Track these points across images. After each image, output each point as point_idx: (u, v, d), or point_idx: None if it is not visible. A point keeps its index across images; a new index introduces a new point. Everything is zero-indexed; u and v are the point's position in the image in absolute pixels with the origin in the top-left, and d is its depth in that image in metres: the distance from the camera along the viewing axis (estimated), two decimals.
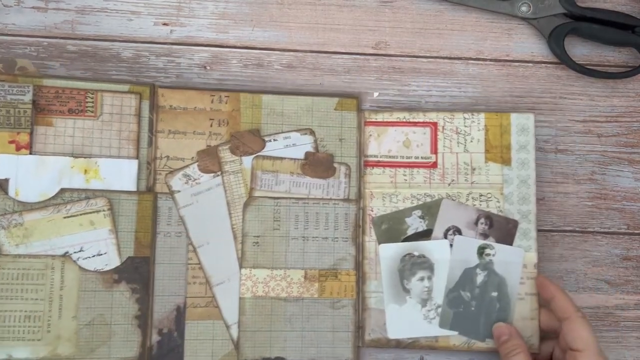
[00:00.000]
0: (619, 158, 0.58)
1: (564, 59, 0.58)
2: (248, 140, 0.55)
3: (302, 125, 0.55)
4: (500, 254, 0.54)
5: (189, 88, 0.55)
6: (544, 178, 0.58)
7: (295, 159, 0.55)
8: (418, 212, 0.55)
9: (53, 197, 0.52)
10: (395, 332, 0.53)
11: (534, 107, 0.58)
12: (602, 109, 0.59)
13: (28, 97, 0.52)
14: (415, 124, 0.56)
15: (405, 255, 0.54)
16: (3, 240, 0.51)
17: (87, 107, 0.53)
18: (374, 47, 0.57)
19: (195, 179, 0.54)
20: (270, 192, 0.54)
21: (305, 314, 0.53)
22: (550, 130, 0.58)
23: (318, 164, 0.55)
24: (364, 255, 0.54)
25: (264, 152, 0.55)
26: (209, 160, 0.54)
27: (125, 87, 0.54)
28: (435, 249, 0.54)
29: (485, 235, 0.54)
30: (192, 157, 0.54)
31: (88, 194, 0.52)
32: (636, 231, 0.58)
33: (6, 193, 0.51)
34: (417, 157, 0.55)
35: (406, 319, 0.53)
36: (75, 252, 0.52)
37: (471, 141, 0.56)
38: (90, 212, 0.52)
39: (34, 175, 0.52)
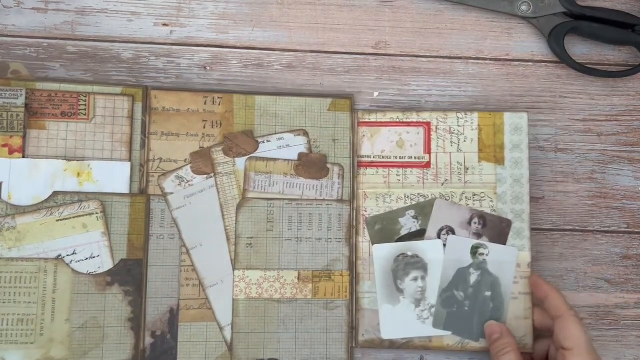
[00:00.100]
0: (619, 157, 0.58)
1: (564, 58, 0.58)
2: (241, 142, 0.55)
3: (295, 126, 0.55)
4: (493, 253, 0.54)
5: (182, 90, 0.55)
6: (544, 177, 0.58)
7: (288, 160, 0.55)
8: (411, 212, 0.55)
9: (46, 200, 0.52)
10: (389, 332, 0.53)
11: (534, 107, 0.58)
12: (602, 107, 0.59)
13: (21, 101, 0.52)
14: (408, 124, 0.56)
15: (398, 256, 0.54)
16: None
17: (79, 110, 0.53)
18: (374, 47, 0.57)
19: (188, 181, 0.54)
20: (263, 194, 0.54)
21: (299, 315, 0.53)
22: (550, 129, 0.58)
23: (311, 164, 0.55)
24: (357, 256, 0.54)
25: (257, 154, 0.55)
26: (202, 162, 0.54)
27: (118, 90, 0.54)
28: (428, 249, 0.54)
29: (478, 235, 0.54)
30: (185, 159, 0.54)
31: (81, 197, 0.52)
32: (636, 230, 0.58)
33: None
34: (410, 157, 0.55)
35: (400, 319, 0.53)
36: (68, 255, 0.52)
37: (464, 141, 0.56)
38: (83, 215, 0.52)
39: (26, 178, 0.52)
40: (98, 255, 0.52)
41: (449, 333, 0.53)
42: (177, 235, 0.53)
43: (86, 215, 0.52)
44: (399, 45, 0.58)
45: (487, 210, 0.55)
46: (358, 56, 0.57)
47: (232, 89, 0.56)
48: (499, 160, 0.55)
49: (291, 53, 0.57)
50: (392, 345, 0.53)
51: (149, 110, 0.54)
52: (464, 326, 0.53)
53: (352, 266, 0.54)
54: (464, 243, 0.54)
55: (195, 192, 0.54)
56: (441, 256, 0.54)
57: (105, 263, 0.52)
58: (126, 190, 0.53)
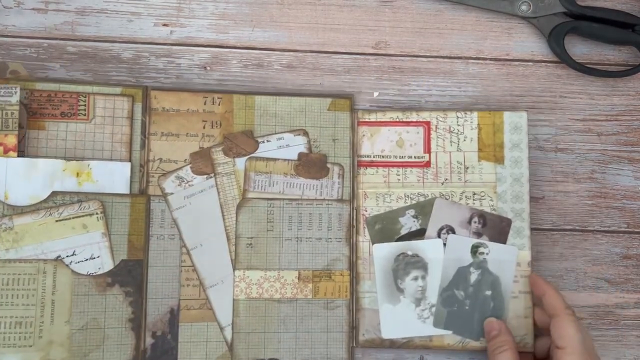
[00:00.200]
0: (618, 157, 0.58)
1: (564, 58, 0.58)
2: (241, 142, 0.55)
3: (295, 126, 0.55)
4: (493, 252, 0.54)
5: (182, 90, 0.55)
6: (544, 177, 0.58)
7: (288, 159, 0.55)
8: (411, 212, 0.55)
9: (44, 201, 0.51)
10: (389, 332, 0.53)
11: (534, 106, 0.58)
12: (602, 107, 0.59)
13: (15, 99, 0.51)
14: (408, 123, 0.56)
15: (399, 255, 0.54)
16: None
17: (79, 110, 0.53)
18: (374, 47, 0.57)
19: (188, 181, 0.54)
20: (263, 194, 0.54)
21: (299, 315, 0.53)
22: (550, 129, 0.58)
23: (311, 164, 0.55)
24: (357, 256, 0.54)
25: (257, 154, 0.55)
26: (202, 162, 0.54)
27: (118, 90, 0.54)
28: (428, 248, 0.54)
29: (478, 234, 0.54)
30: (185, 159, 0.54)
31: (80, 197, 0.52)
32: (636, 230, 0.58)
33: None
34: (410, 157, 0.55)
35: (400, 318, 0.53)
36: (67, 256, 0.51)
37: (464, 140, 0.56)
38: (83, 215, 0.52)
39: (23, 178, 0.51)
40: (98, 256, 0.52)
41: (450, 332, 0.53)
42: (177, 235, 0.53)
43: (86, 215, 0.52)
44: (399, 45, 0.58)
45: (487, 210, 0.55)
46: (358, 56, 0.57)
47: (232, 89, 0.56)
48: (499, 160, 0.55)
49: (291, 53, 0.57)
50: (393, 344, 0.53)
51: (148, 110, 0.54)
52: (465, 325, 0.53)
53: (352, 266, 0.54)
54: (464, 242, 0.54)
55: (195, 192, 0.54)
56: (441, 255, 0.54)
57: (105, 264, 0.52)
58: (126, 191, 0.53)
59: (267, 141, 0.55)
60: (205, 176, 0.54)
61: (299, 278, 0.54)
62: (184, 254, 0.53)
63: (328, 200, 0.54)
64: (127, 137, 0.54)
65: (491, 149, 0.56)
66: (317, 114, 0.55)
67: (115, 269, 0.52)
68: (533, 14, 0.58)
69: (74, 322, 0.51)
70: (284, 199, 0.54)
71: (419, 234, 0.54)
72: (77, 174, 0.52)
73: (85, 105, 0.53)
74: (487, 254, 0.54)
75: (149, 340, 0.52)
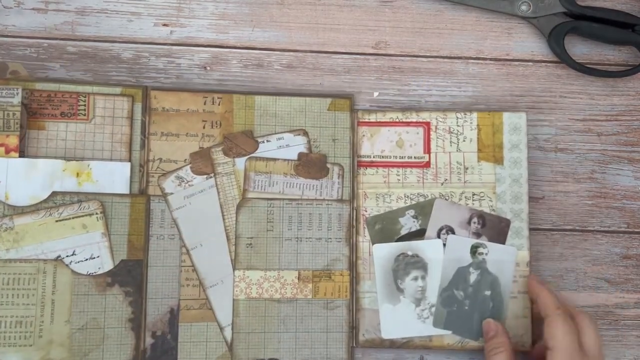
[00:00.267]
0: (618, 157, 0.58)
1: (564, 58, 0.58)
2: (241, 142, 0.55)
3: (295, 126, 0.55)
4: (493, 252, 0.54)
5: (181, 90, 0.55)
6: (544, 177, 0.58)
7: (288, 159, 0.55)
8: (411, 212, 0.55)
9: (45, 201, 0.51)
10: (389, 332, 0.53)
11: (534, 106, 0.58)
12: (602, 107, 0.59)
13: (17, 100, 0.51)
14: (408, 124, 0.56)
15: (399, 255, 0.54)
16: None
17: (79, 110, 0.53)
18: (374, 47, 0.57)
19: (188, 181, 0.54)
20: (263, 194, 0.54)
21: (299, 315, 0.53)
22: (550, 129, 0.58)
23: (311, 164, 0.55)
24: (357, 256, 0.54)
25: (257, 154, 0.55)
26: (202, 162, 0.54)
27: (118, 90, 0.54)
28: (428, 248, 0.54)
29: (478, 235, 0.55)
30: (185, 159, 0.54)
31: (80, 197, 0.52)
32: (636, 230, 0.58)
33: None
34: (410, 157, 0.55)
35: (400, 318, 0.53)
36: (67, 256, 0.51)
37: (464, 140, 0.56)
38: (83, 215, 0.52)
39: (24, 178, 0.52)
40: (98, 256, 0.52)
41: (449, 332, 0.53)
42: (177, 235, 0.53)
43: (86, 215, 0.52)
44: (399, 45, 0.58)
45: (486, 210, 0.55)
46: (358, 56, 0.57)
47: (232, 89, 0.56)
48: (498, 160, 0.56)
49: (291, 53, 0.57)
50: (393, 344, 0.54)
51: (148, 110, 0.54)
52: (464, 325, 0.53)
53: (352, 266, 0.54)
54: (464, 242, 0.54)
55: (195, 192, 0.54)
56: (441, 255, 0.54)
57: (105, 264, 0.52)
58: (126, 191, 0.53)
59: (267, 141, 0.55)
60: (205, 176, 0.54)
61: (299, 278, 0.54)
62: (183, 254, 0.53)
63: (328, 200, 0.55)
64: (127, 137, 0.54)
65: (490, 150, 0.56)
66: (317, 114, 0.55)
67: (115, 269, 0.52)
68: (533, 14, 0.58)
69: (73, 321, 0.51)
70: (284, 199, 0.54)
71: (419, 234, 0.54)
72: (77, 174, 0.52)
73: (85, 105, 0.53)
74: (486, 254, 0.54)
75: (149, 340, 0.52)
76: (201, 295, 0.53)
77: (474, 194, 0.55)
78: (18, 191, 0.51)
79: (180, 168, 0.54)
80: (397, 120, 0.56)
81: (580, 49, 0.59)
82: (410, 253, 0.54)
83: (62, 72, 0.55)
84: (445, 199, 0.55)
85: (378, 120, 0.56)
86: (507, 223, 0.55)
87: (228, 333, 0.53)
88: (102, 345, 0.51)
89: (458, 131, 0.56)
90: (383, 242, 0.54)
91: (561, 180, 0.58)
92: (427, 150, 0.56)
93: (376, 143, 0.56)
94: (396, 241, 0.54)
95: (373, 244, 0.54)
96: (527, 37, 0.59)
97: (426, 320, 0.53)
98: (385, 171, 0.55)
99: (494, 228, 0.55)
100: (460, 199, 0.55)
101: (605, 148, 0.58)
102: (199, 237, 0.53)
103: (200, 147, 0.54)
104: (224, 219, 0.54)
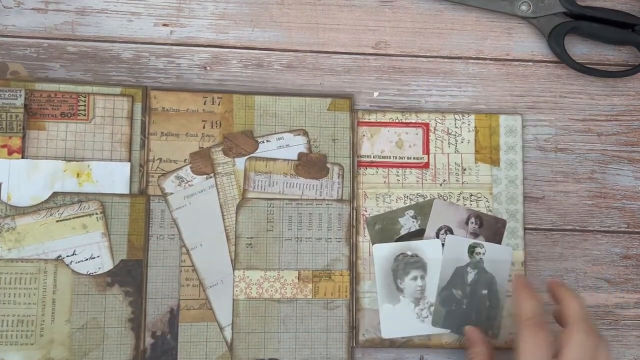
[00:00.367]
0: (618, 157, 0.58)
1: (564, 58, 0.58)
2: (241, 142, 0.55)
3: (295, 126, 0.55)
4: (489, 252, 0.55)
5: (181, 90, 0.55)
6: (544, 177, 0.58)
7: (288, 159, 0.55)
8: (411, 212, 0.55)
9: (45, 201, 0.51)
10: (389, 331, 0.54)
11: (534, 106, 0.58)
12: (602, 107, 0.59)
13: (20, 102, 0.51)
14: (407, 124, 0.56)
15: (398, 255, 0.54)
16: None
17: (79, 110, 0.53)
18: (374, 47, 0.58)
19: (188, 181, 0.54)
20: (263, 194, 0.54)
21: (299, 315, 0.54)
22: (550, 129, 0.58)
23: (311, 164, 0.55)
24: (357, 256, 0.55)
25: (257, 154, 0.55)
26: (202, 162, 0.54)
27: (118, 90, 0.54)
28: (428, 248, 0.54)
29: (475, 235, 0.55)
30: (185, 159, 0.54)
31: (81, 198, 0.52)
32: (636, 230, 0.58)
33: None
34: (409, 158, 0.56)
35: (400, 318, 0.54)
36: (68, 256, 0.51)
37: (462, 142, 0.56)
38: (83, 216, 0.52)
39: (25, 179, 0.52)
40: (98, 256, 0.52)
41: (448, 331, 0.54)
42: (177, 235, 0.53)
43: (86, 215, 0.52)
44: (399, 45, 0.58)
45: (483, 211, 0.55)
46: (358, 56, 0.58)
47: (232, 89, 0.56)
48: (495, 162, 0.56)
49: (291, 53, 0.57)
50: (393, 344, 0.54)
51: (148, 110, 0.54)
52: (462, 324, 0.54)
53: (352, 266, 0.54)
54: (462, 242, 0.55)
55: (195, 192, 0.54)
56: (440, 255, 0.54)
57: (105, 264, 0.52)
58: (126, 191, 0.53)
59: (267, 141, 0.55)
60: (205, 176, 0.54)
61: (298, 278, 0.54)
62: (183, 254, 0.53)
63: (328, 200, 0.55)
64: (126, 137, 0.54)
65: (487, 151, 0.56)
66: (317, 114, 0.56)
67: (115, 268, 0.52)
68: (533, 14, 0.58)
69: (74, 321, 0.51)
70: (283, 199, 0.54)
71: (418, 234, 0.55)
72: (78, 174, 0.52)
73: (85, 105, 0.53)
74: (483, 254, 0.55)
75: (149, 340, 0.52)
76: (201, 295, 0.53)
77: (471, 195, 0.56)
78: (20, 192, 0.51)
79: (180, 168, 0.54)
80: (396, 120, 0.56)
81: (580, 49, 0.59)
82: (409, 253, 0.54)
83: (62, 72, 0.55)
84: (444, 200, 0.55)
85: (378, 120, 0.56)
86: (503, 223, 0.55)
87: (228, 333, 0.53)
88: (102, 345, 0.51)
89: (456, 132, 0.56)
90: (383, 242, 0.54)
91: (561, 180, 0.58)
92: (426, 151, 0.56)
93: (376, 143, 0.56)
94: (396, 241, 0.55)
95: (373, 244, 0.55)
96: (527, 37, 0.59)
97: (425, 319, 0.54)
98: (385, 171, 0.56)
99: (490, 228, 0.55)
100: (458, 200, 0.56)
101: (605, 148, 0.58)
102: (199, 237, 0.53)
103: (200, 147, 0.54)
104: (224, 219, 0.54)
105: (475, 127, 0.56)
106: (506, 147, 0.56)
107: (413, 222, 0.55)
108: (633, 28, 0.58)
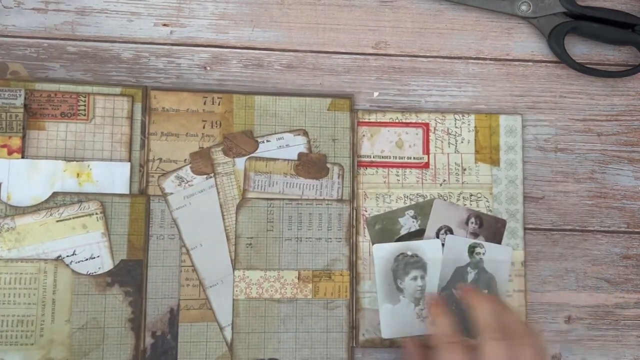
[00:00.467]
0: (618, 157, 0.58)
1: (564, 58, 0.58)
2: (241, 142, 0.55)
3: (295, 126, 0.55)
4: (489, 252, 0.55)
5: (181, 90, 0.55)
6: (544, 177, 0.58)
7: (288, 159, 0.55)
8: (411, 212, 0.55)
9: (45, 201, 0.51)
10: (389, 331, 0.54)
11: (534, 106, 0.58)
12: (602, 107, 0.59)
13: (20, 101, 0.51)
14: (407, 124, 0.56)
15: (398, 255, 0.54)
16: None
17: (79, 110, 0.53)
18: (374, 47, 0.58)
19: (188, 181, 0.54)
20: (263, 194, 0.54)
21: (299, 315, 0.54)
22: (550, 129, 0.58)
23: (311, 164, 0.55)
24: (357, 256, 0.55)
25: (257, 154, 0.55)
26: (202, 162, 0.54)
27: (118, 90, 0.54)
28: (428, 248, 0.54)
29: (475, 235, 0.55)
30: (185, 159, 0.54)
31: (81, 198, 0.52)
32: (636, 230, 0.58)
33: None
34: (409, 158, 0.56)
35: (400, 318, 0.54)
36: (68, 256, 0.51)
37: (462, 142, 0.56)
38: (83, 216, 0.52)
39: (25, 179, 0.52)
40: (98, 256, 0.52)
41: None
42: (177, 235, 0.53)
43: (86, 215, 0.52)
44: (399, 45, 0.58)
45: (483, 211, 0.55)
46: (358, 56, 0.58)
47: (232, 89, 0.56)
48: (495, 162, 0.56)
49: (291, 53, 0.57)
50: (392, 344, 0.54)
51: (148, 110, 0.54)
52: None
53: (352, 266, 0.54)
54: (462, 242, 0.55)
55: (195, 192, 0.54)
56: (440, 255, 0.54)
57: (105, 263, 0.52)
58: (126, 191, 0.53)
59: (267, 141, 0.55)
60: (205, 176, 0.54)
61: (298, 278, 0.54)
62: (183, 254, 0.53)
63: (328, 200, 0.55)
64: (127, 137, 0.54)
65: (487, 151, 0.56)
66: (317, 114, 0.56)
67: (115, 268, 0.52)
68: (533, 14, 0.58)
69: (74, 321, 0.51)
70: (283, 199, 0.54)
71: (418, 234, 0.55)
72: (78, 174, 0.52)
73: (85, 105, 0.53)
74: (483, 254, 0.55)
75: (149, 340, 0.52)
76: (201, 295, 0.53)
77: (471, 195, 0.56)
78: (20, 192, 0.51)
79: (180, 168, 0.54)
80: (396, 120, 0.56)
81: (580, 49, 0.59)
82: (409, 253, 0.54)
83: (62, 72, 0.55)
84: (444, 200, 0.55)
85: (378, 120, 0.56)
86: (503, 223, 0.55)
87: (228, 333, 0.53)
88: (102, 345, 0.51)
89: (456, 132, 0.56)
90: (383, 242, 0.54)
91: (561, 180, 0.58)
92: (426, 151, 0.56)
93: (376, 143, 0.56)
94: (396, 241, 0.55)
95: (373, 244, 0.55)
96: (527, 37, 0.59)
97: (425, 319, 0.54)
98: (385, 171, 0.56)
99: (490, 228, 0.55)
100: (458, 200, 0.56)
101: (605, 148, 0.59)
102: (198, 237, 0.53)
103: (200, 147, 0.54)
104: (224, 219, 0.54)
105: (475, 127, 0.56)
106: (506, 147, 0.56)
107: (413, 222, 0.55)
108: (633, 28, 0.58)
